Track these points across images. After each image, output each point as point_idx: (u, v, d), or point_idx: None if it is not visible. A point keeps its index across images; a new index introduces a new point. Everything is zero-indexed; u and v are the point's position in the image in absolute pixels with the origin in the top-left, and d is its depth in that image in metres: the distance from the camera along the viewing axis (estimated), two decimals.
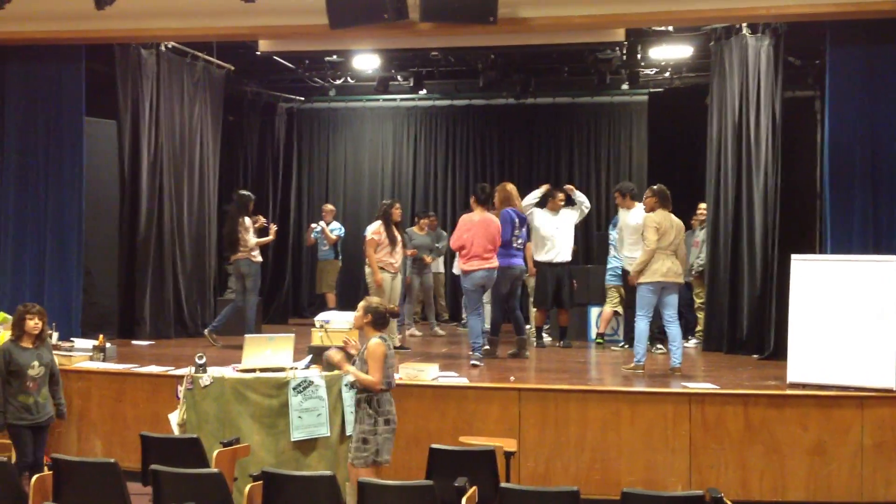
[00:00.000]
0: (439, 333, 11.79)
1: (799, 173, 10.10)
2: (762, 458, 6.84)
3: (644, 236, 8.34)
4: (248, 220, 10.15)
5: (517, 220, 9.21)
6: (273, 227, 10.97)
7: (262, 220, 10.71)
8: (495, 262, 8.85)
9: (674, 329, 8.25)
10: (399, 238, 9.91)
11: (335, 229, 13.06)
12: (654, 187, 8.66)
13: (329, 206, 13.44)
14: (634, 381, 7.79)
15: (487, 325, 10.70)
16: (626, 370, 8.24)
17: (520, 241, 9.29)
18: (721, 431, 6.88)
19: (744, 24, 9.58)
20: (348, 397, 6.70)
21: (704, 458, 6.86)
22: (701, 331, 10.36)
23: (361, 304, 5.92)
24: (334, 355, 6.08)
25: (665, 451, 6.89)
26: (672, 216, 8.41)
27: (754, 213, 9.50)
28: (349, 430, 6.73)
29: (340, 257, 13.27)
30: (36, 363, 6.56)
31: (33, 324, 6.56)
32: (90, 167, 9.94)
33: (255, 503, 5.02)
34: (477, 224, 8.84)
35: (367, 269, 9.81)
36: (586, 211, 10.50)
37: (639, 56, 11.71)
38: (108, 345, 8.34)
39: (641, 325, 8.28)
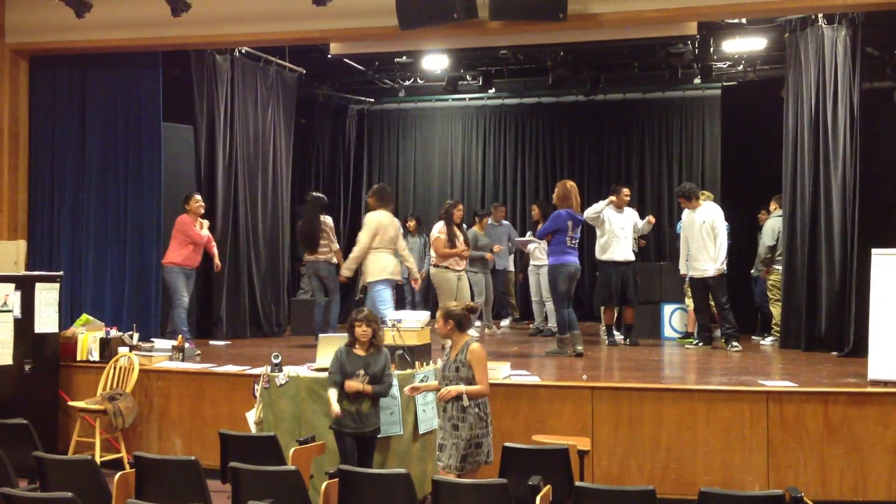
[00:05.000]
0: (495, 332, 11.71)
1: (878, 166, 9.85)
2: (842, 457, 6.68)
3: (358, 237, 8.96)
4: (330, 220, 10.15)
5: (570, 223, 9.11)
6: None
7: None
8: None
9: None
10: (460, 237, 9.91)
11: None
12: (375, 187, 9.50)
13: None
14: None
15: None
16: None
17: (575, 240, 9.21)
18: (800, 430, 6.74)
19: (819, 15, 9.37)
20: (420, 397, 6.73)
21: (783, 457, 6.74)
22: (778, 327, 10.16)
23: (439, 314, 5.91)
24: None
25: (743, 450, 6.77)
26: (391, 214, 9.11)
27: (832, 206, 9.29)
28: (422, 429, 6.78)
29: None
30: (361, 371, 6.33)
31: (361, 331, 6.36)
32: (167, 171, 10.12)
33: (330, 501, 5.07)
34: None
35: (433, 270, 9.85)
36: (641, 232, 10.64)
37: (711, 49, 11.54)
38: (186, 345, 8.53)
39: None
